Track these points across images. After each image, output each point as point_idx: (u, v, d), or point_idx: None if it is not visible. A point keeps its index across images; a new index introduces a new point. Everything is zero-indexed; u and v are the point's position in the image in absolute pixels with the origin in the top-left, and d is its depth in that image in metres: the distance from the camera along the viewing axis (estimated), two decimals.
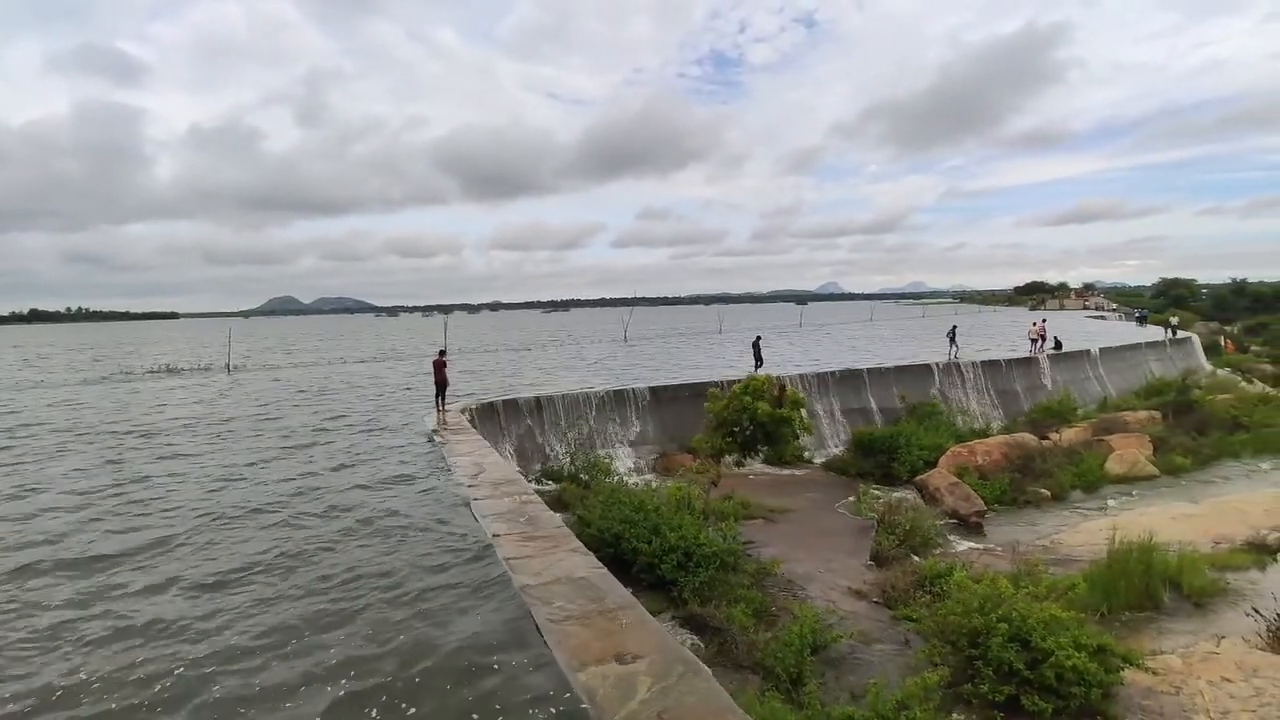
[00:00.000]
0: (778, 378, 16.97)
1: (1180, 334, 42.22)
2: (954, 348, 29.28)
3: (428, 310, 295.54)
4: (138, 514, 9.35)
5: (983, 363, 27.75)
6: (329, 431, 15.34)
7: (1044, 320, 34.64)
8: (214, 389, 24.04)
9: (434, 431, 14.81)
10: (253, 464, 12.27)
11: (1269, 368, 38.18)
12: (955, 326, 31.78)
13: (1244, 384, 32.92)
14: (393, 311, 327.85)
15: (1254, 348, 47.56)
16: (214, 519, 9.14)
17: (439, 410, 17.02)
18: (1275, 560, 12.49)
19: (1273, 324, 56.47)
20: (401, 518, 9.11)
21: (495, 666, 5.25)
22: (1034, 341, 31.51)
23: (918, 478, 17.19)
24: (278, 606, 6.45)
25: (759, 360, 25.16)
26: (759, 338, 26.74)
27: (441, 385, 17.15)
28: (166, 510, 9.57)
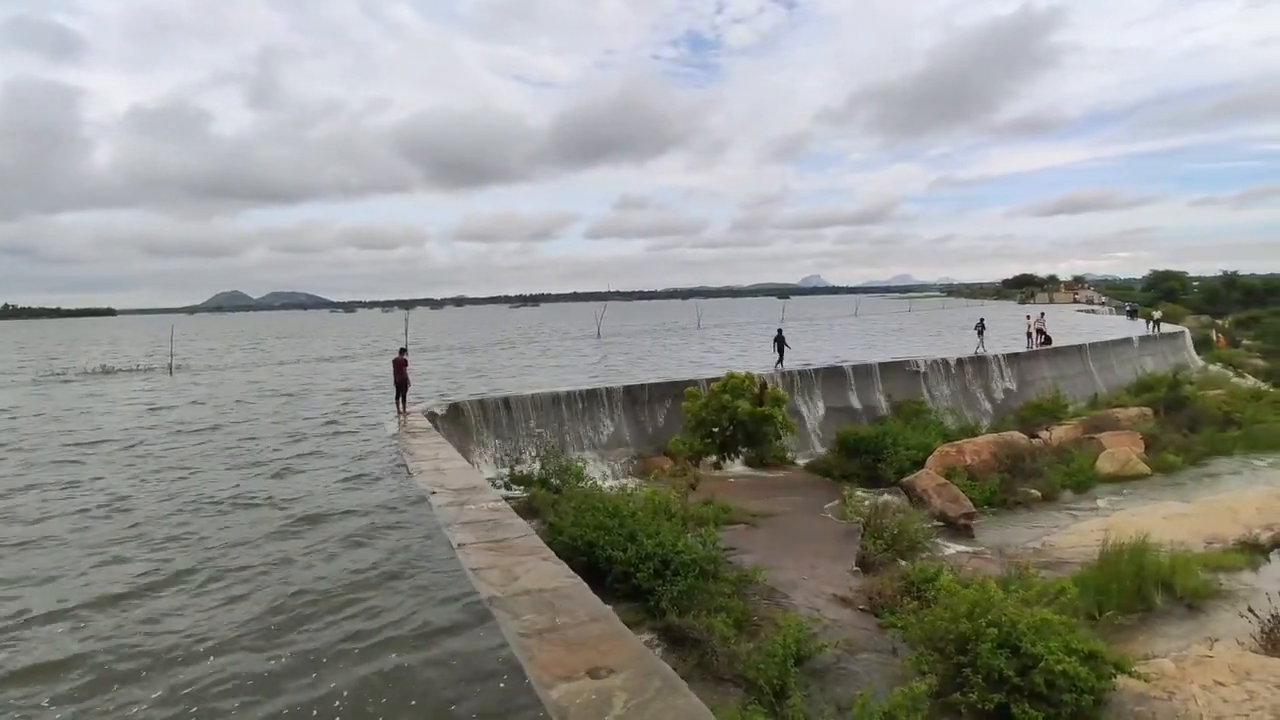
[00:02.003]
0: (759, 375, 17.03)
1: (1163, 328, 43.06)
2: (981, 340, 30.69)
3: (387, 305, 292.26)
4: (57, 546, 9.08)
5: (971, 358, 28.19)
6: (278, 436, 15.09)
7: (1041, 314, 35.45)
8: (155, 391, 23.52)
9: (394, 435, 14.64)
10: (192, 472, 12.02)
11: (1261, 363, 39.31)
12: (983, 319, 33.12)
13: (1236, 379, 33.87)
14: (349, 307, 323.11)
15: (1245, 342, 48.92)
16: (147, 537, 8.93)
17: (400, 412, 16.83)
18: (1268, 560, 12.86)
19: (1265, 317, 58.15)
20: (355, 526, 8.99)
21: (456, 682, 5.20)
22: (1030, 336, 32.32)
23: (905, 479, 17.38)
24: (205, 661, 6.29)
25: (782, 354, 25.76)
26: (781, 330, 27.40)
27: (402, 385, 16.97)
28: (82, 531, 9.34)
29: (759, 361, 26.39)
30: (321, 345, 48.87)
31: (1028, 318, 34.39)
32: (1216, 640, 9.08)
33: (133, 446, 14.23)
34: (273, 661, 5.71)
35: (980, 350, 29.65)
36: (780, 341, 26.14)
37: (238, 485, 11.11)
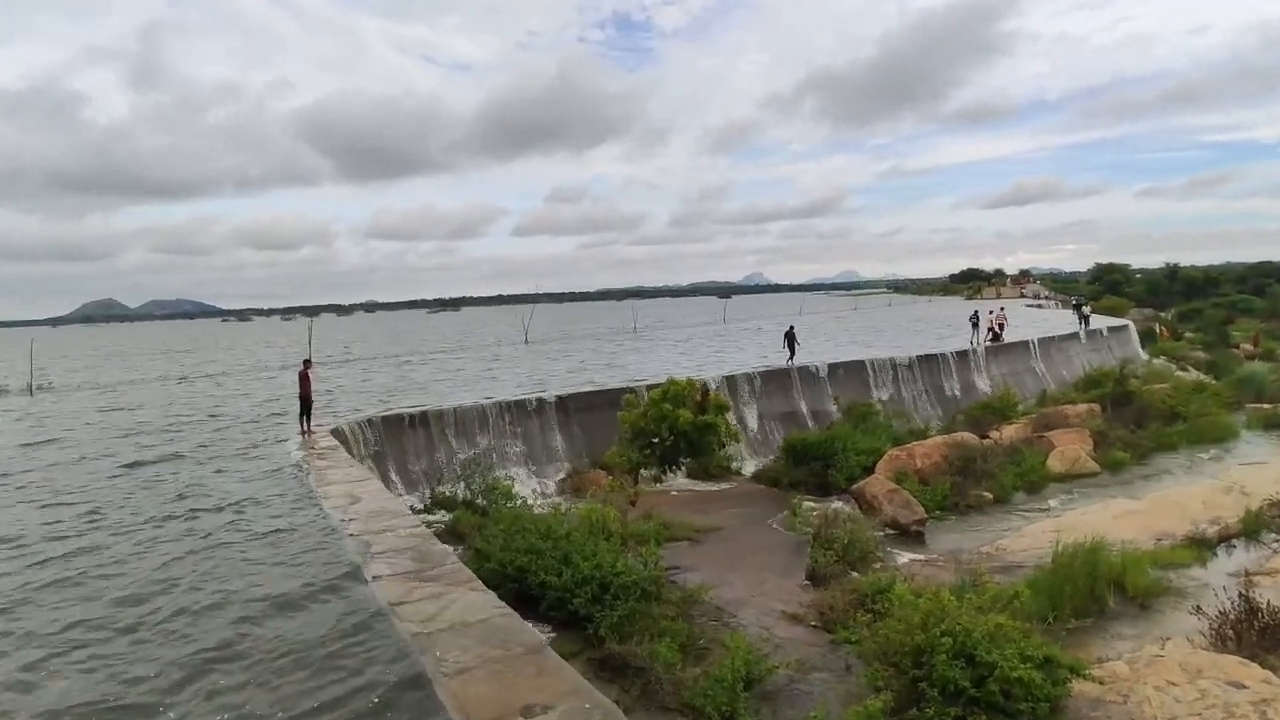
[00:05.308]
0: (700, 381, 17.22)
1: (1092, 323, 43.84)
2: (975, 333, 33.36)
3: (288, 313, 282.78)
4: None
5: (919, 357, 29.16)
6: (160, 463, 14.45)
7: (1001, 309, 37.43)
8: (11, 416, 22.13)
9: (299, 457, 14.22)
10: (49, 512, 11.37)
11: (1202, 355, 41.92)
12: (977, 311, 35.65)
13: (1179, 372, 36.04)
14: (244, 315, 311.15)
15: (1187, 334, 52.10)
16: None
17: (304, 432, 16.31)
18: (1215, 555, 13.72)
19: (1205, 309, 62.18)
20: (253, 564, 8.66)
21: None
22: (989, 331, 34.48)
23: (854, 486, 17.78)
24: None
25: (793, 351, 26.76)
26: (792, 327, 28.19)
27: (306, 401, 16.44)
28: None
29: (700, 366, 26.68)
30: (211, 359, 46.94)
31: (990, 313, 36.10)
32: (1168, 639, 9.62)
33: None
34: None
35: (974, 343, 32.32)
36: (791, 338, 27.06)
37: (68, 538, 10.34)
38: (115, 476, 13.57)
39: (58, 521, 10.72)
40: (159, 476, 13.46)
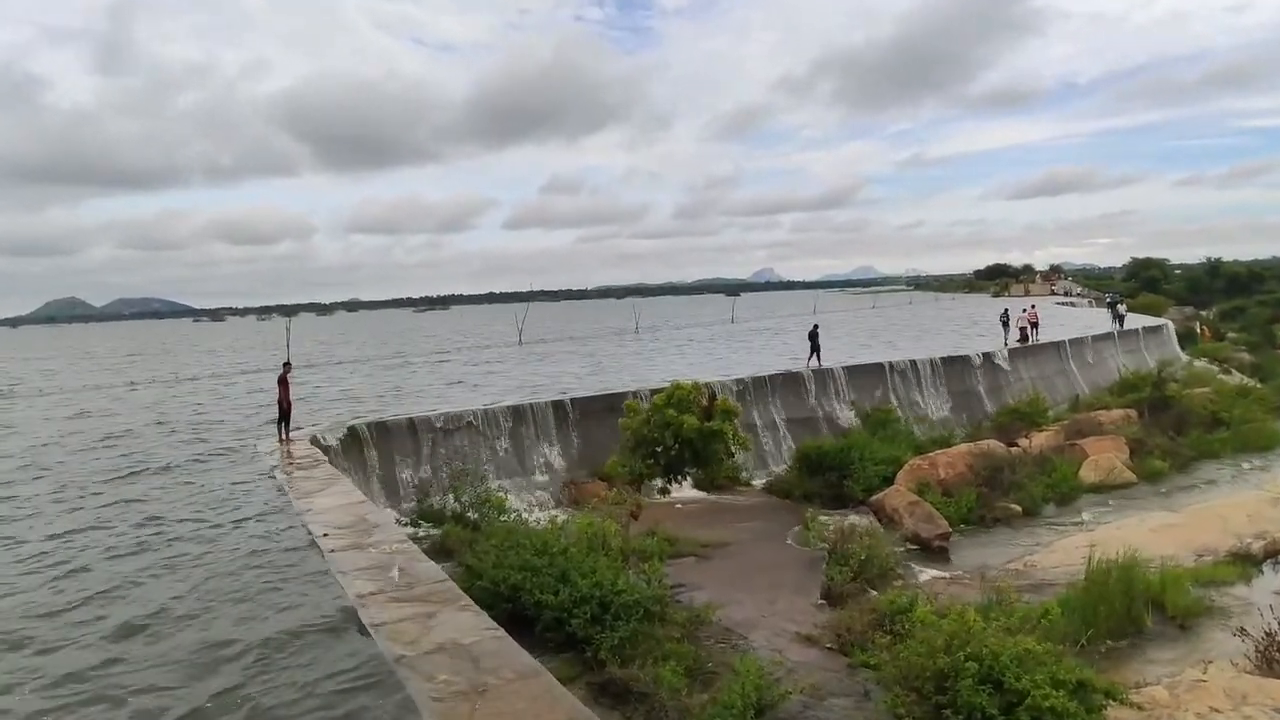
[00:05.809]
0: (706, 384, 17.20)
1: (1126, 323, 43.94)
2: (1007, 332, 34.12)
3: (265, 312, 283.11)
4: None
5: (942, 359, 29.13)
6: (135, 475, 14.49)
7: (1033, 306, 38.16)
8: None
9: (276, 468, 14.24)
10: (14, 528, 11.40)
11: (1247, 356, 41.80)
12: (1007, 309, 36.34)
13: (1222, 375, 35.96)
14: (217, 315, 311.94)
15: (1230, 334, 51.98)
16: None
17: (282, 440, 16.32)
18: (1261, 572, 13.68)
19: (1250, 307, 61.94)
20: (229, 587, 8.68)
21: None
22: (1023, 330, 34.81)
23: (873, 497, 17.78)
24: None
25: (817, 351, 26.97)
26: (816, 326, 28.39)
27: (285, 407, 16.45)
28: None
29: (714, 371, 26.64)
30: (185, 361, 47.05)
31: (1022, 311, 36.52)
32: (1210, 662, 9.60)
33: None
34: None
35: (1005, 343, 33.00)
36: (814, 338, 27.29)
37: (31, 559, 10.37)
38: (87, 492, 13.60)
39: (24, 543, 10.74)
40: (135, 492, 13.50)
